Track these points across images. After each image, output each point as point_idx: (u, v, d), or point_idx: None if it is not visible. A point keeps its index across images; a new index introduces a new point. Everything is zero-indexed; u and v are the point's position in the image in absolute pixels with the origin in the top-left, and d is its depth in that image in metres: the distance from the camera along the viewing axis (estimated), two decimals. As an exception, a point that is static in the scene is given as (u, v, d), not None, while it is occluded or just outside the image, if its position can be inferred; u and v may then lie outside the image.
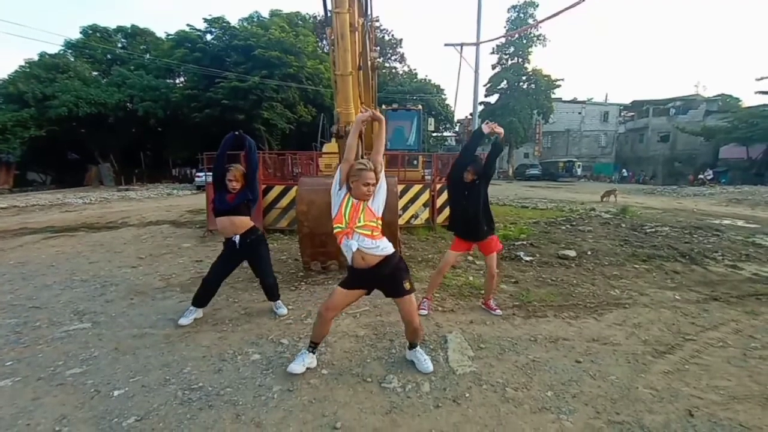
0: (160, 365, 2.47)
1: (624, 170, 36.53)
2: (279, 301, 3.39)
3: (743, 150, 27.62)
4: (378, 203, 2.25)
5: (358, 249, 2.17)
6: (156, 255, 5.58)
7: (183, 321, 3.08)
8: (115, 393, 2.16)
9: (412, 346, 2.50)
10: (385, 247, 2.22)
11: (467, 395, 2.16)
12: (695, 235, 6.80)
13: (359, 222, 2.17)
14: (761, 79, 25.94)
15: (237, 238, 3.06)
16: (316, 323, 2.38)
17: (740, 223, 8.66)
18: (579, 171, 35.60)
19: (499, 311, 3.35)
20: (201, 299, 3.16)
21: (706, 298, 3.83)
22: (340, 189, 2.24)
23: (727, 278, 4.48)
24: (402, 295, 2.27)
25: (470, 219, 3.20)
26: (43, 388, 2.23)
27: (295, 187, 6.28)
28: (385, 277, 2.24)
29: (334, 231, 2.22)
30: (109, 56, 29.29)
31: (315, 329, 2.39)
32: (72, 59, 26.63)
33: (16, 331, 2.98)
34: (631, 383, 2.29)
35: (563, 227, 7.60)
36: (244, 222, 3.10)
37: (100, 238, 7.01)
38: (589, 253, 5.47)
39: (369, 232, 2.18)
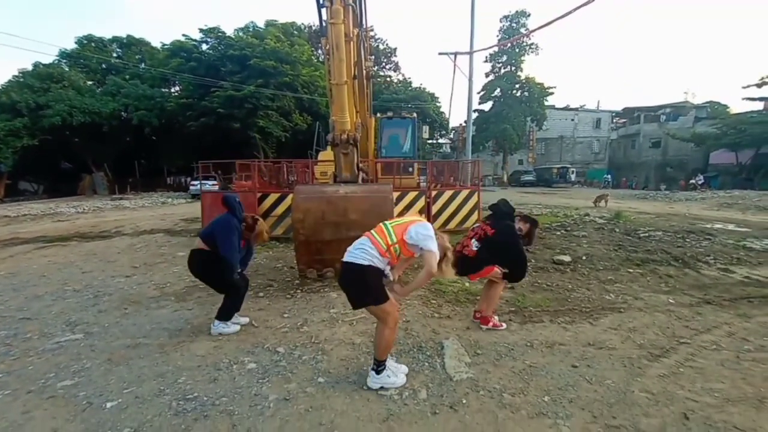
0: (155, 376, 2.44)
1: (608, 176, 36.38)
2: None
3: (733, 155, 28.09)
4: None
5: None
6: (150, 264, 5.54)
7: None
8: (108, 405, 2.13)
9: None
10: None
11: (464, 401, 2.16)
12: (688, 239, 6.88)
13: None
14: (748, 86, 26.59)
15: None
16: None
17: (731, 227, 8.78)
18: (573, 177, 35.94)
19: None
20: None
21: (699, 301, 3.87)
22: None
23: (719, 281, 4.53)
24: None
25: None
26: (33, 401, 2.19)
27: (291, 195, 6.28)
28: None
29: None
30: (104, 66, 29.26)
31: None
32: (66, 69, 26.55)
33: (6, 343, 2.94)
34: (626, 387, 2.30)
35: (558, 232, 7.65)
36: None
37: (93, 247, 6.94)
38: (583, 258, 5.51)
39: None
